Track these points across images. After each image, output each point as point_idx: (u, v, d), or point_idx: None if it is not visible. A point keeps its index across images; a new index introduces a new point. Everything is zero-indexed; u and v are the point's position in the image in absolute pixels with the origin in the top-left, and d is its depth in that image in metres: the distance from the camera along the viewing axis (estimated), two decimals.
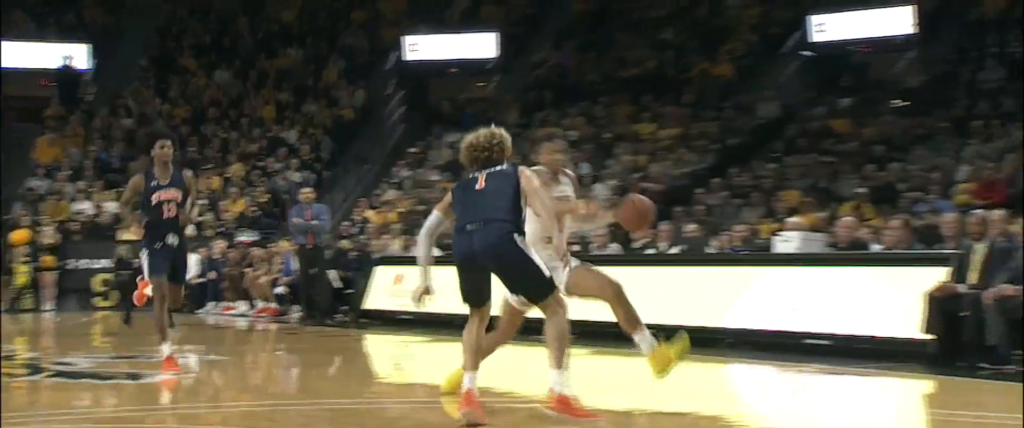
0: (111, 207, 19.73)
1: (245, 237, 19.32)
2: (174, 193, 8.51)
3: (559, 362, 5.72)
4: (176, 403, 7.32)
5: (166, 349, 8.37)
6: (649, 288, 11.48)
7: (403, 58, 24.01)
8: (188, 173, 8.82)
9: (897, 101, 18.77)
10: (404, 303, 14.60)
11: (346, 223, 19.16)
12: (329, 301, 15.35)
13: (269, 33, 25.95)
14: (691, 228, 13.50)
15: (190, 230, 9.41)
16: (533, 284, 5.79)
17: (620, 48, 22.92)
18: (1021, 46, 17.99)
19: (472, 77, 24.26)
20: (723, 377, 9.25)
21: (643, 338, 6.40)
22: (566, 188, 6.60)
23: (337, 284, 15.53)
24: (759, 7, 22.10)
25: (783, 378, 9.06)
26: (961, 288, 8.94)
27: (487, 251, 5.72)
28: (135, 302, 8.80)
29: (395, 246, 16.29)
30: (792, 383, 8.80)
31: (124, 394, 7.63)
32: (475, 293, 5.91)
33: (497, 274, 5.82)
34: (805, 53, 20.81)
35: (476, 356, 5.93)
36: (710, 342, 10.34)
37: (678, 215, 15.37)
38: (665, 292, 11.05)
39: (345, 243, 16.86)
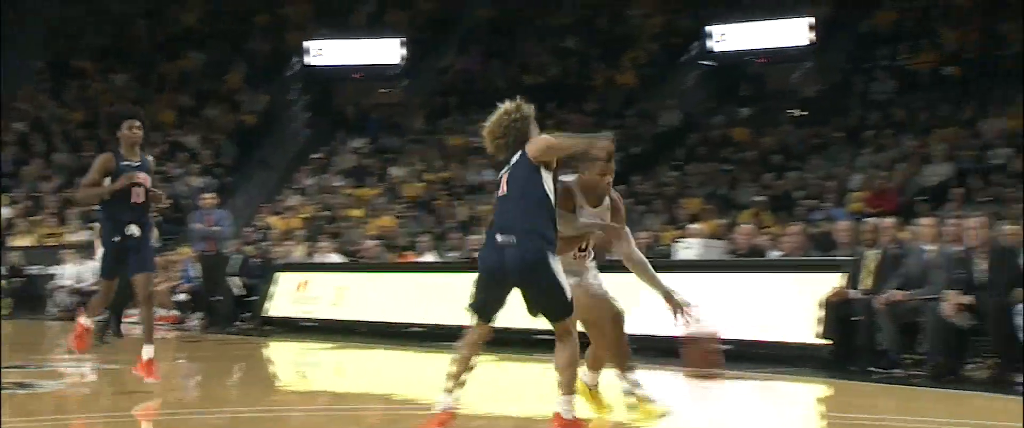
0: (5, 213, 19.20)
1: None
2: (144, 177, 7.63)
3: (569, 388, 5.49)
4: (69, 413, 7.16)
5: (148, 352, 7.50)
6: None
7: (307, 63, 23.81)
8: (151, 158, 7.93)
9: (794, 111, 19.22)
10: (307, 310, 14.54)
11: (248, 229, 18.93)
12: (231, 308, 15.15)
13: (170, 36, 25.52)
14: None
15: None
16: (556, 306, 5.47)
17: (524, 55, 23.07)
18: (910, 59, 18.57)
19: (377, 83, 24.17)
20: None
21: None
22: (604, 212, 6.02)
23: (239, 291, 15.34)
24: (661, 16, 22.43)
25: (683, 383, 9.20)
26: (854, 294, 9.20)
27: (520, 271, 5.37)
28: (71, 347, 7.88)
29: (298, 252, 16.16)
30: (692, 388, 8.94)
31: (14, 405, 7.43)
32: (488, 308, 5.59)
33: (523, 292, 5.50)
34: (706, 62, 21.17)
35: (465, 373, 5.59)
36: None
37: None
38: None
39: (247, 249, 16.66)
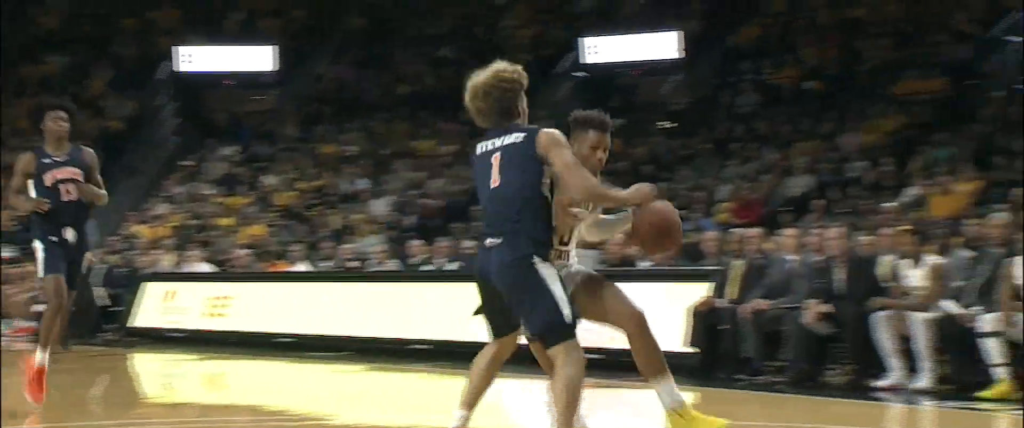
0: None
1: (4, 252, 18.30)
2: (73, 171, 7.02)
3: (566, 423, 4.57)
4: None
5: (40, 357, 6.95)
6: (430, 304, 11.59)
7: (176, 69, 23.33)
8: (88, 149, 7.30)
9: (664, 122, 19.62)
10: (175, 320, 14.24)
11: (114, 238, 18.45)
12: (95, 319, 14.75)
13: (30, 38, 24.69)
14: (470, 244, 13.69)
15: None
16: (546, 322, 4.55)
17: (399, 64, 23.05)
18: (773, 74, 19.15)
19: (249, 90, 23.82)
20: (500, 391, 9.41)
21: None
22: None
23: (103, 301, 14.94)
24: (534, 27, 22.66)
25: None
26: (720, 303, 9.44)
27: (501, 274, 4.62)
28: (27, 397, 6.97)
29: (166, 262, 15.82)
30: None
31: None
32: (492, 322, 4.89)
33: (509, 301, 4.69)
34: (578, 74, 21.45)
35: (476, 394, 4.95)
36: None
37: (457, 231, 15.56)
38: (445, 308, 11.15)
39: (113, 258, 16.24)
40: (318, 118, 22.31)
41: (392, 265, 13.77)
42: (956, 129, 15.60)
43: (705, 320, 9.38)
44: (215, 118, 23.46)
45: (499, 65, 4.76)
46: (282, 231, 18.40)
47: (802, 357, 8.79)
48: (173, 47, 23.41)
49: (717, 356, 9.33)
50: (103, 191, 7.30)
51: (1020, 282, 7.88)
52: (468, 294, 12.40)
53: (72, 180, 7.01)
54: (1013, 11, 17.39)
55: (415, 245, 13.90)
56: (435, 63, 22.70)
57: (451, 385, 9.69)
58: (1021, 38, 17.25)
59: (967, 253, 8.83)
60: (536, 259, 4.57)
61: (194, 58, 23.23)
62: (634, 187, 4.82)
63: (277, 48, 23.29)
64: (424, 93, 21.90)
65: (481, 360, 4.97)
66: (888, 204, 12.56)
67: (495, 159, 4.65)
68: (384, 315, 11.78)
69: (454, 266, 12.87)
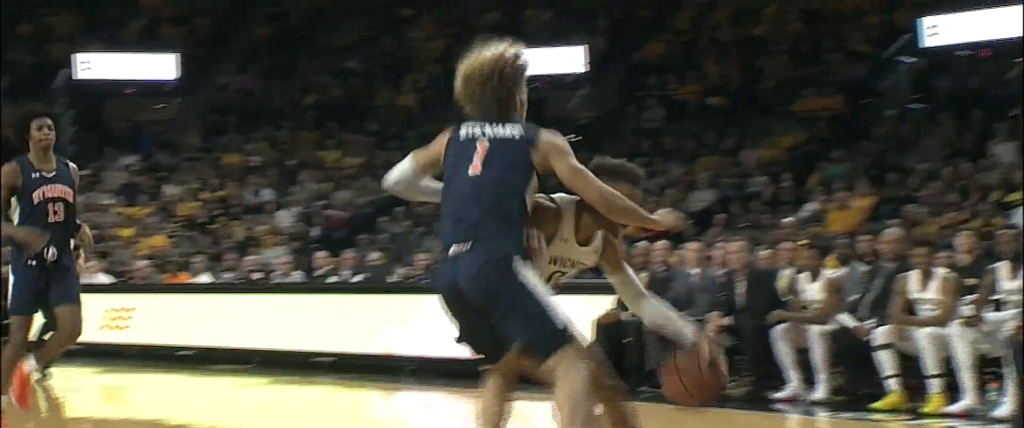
0: None
1: None
2: (64, 190, 6.25)
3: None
4: None
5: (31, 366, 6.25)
6: (335, 316, 11.53)
7: (74, 76, 22.83)
8: (73, 165, 6.52)
9: (571, 136, 19.80)
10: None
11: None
12: None
13: None
14: (375, 256, 13.65)
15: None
16: (536, 330, 3.90)
17: (305, 74, 22.90)
18: (677, 89, 19.47)
19: (150, 98, 23.41)
20: (400, 404, 9.41)
21: None
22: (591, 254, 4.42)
23: None
24: (441, 40, 22.71)
25: (459, 405, 9.33)
26: (625, 316, 9.56)
27: (475, 281, 3.90)
28: (13, 400, 6.28)
29: None
30: (465, 409, 9.07)
31: None
32: (475, 343, 4.14)
33: (491, 314, 3.97)
34: None
35: (494, 423, 4.23)
36: (393, 370, 10.48)
37: (362, 243, 15.50)
38: (349, 320, 11.10)
39: (6, 270, 15.81)
40: (222, 128, 22.03)
41: (297, 277, 13.66)
42: (852, 146, 16.05)
43: (609, 333, 9.49)
44: (115, 127, 23.01)
45: (500, 47, 4.15)
46: (184, 242, 18.12)
47: None
48: (71, 54, 22.91)
49: (622, 369, 9.43)
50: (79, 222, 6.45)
51: (912, 296, 8.13)
52: (373, 306, 12.43)
53: (62, 199, 6.24)
54: (906, 32, 17.96)
55: (320, 257, 13.82)
56: (342, 74, 22.61)
57: (356, 398, 9.66)
58: (913, 59, 17.83)
59: (862, 267, 9.08)
60: (516, 259, 3.90)
61: (93, 65, 22.75)
62: (662, 211, 4.28)
63: (179, 56, 22.94)
64: (331, 104, 21.79)
65: (488, 398, 4.21)
66: (787, 219, 12.85)
67: (481, 147, 4.00)
68: (288, 327, 11.68)
69: (359, 278, 12.82)
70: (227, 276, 14.75)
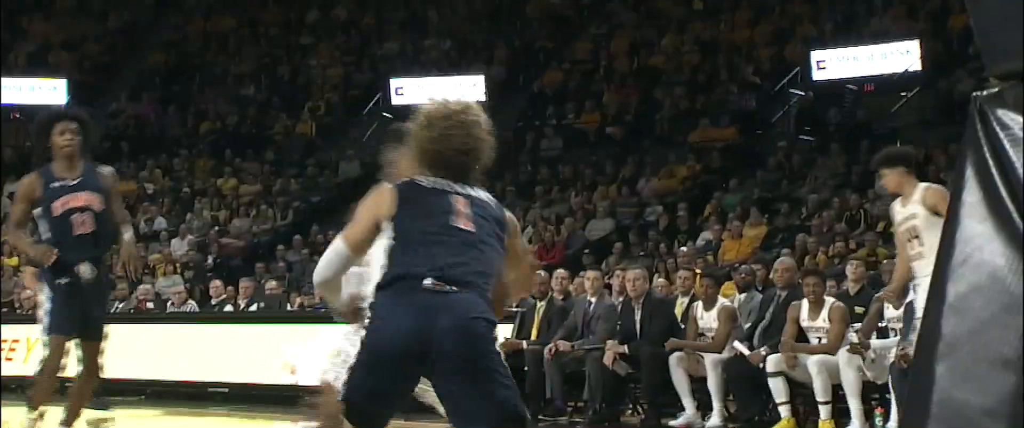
0: None
1: None
2: (89, 198, 5.73)
3: None
4: None
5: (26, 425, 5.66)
6: (230, 346, 11.35)
7: None
8: (106, 170, 6.03)
9: None
10: None
11: None
12: None
13: None
14: (272, 285, 13.48)
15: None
16: (518, 399, 3.73)
17: (201, 102, 22.59)
18: (576, 119, 19.68)
19: None
20: None
21: None
22: None
23: None
24: (341, 68, 22.63)
25: None
26: (524, 344, 9.59)
27: (463, 330, 3.50)
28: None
29: None
30: None
31: None
32: (388, 402, 3.59)
33: (458, 374, 3.56)
34: (386, 115, 21.50)
35: None
36: (289, 400, 10.33)
37: (259, 272, 15.29)
38: (246, 350, 10.93)
39: None
40: (115, 155, 21.57)
41: (191, 306, 13.41)
42: (745, 176, 16.39)
43: (508, 361, 9.48)
44: (1, 154, 22.36)
45: (481, 113, 3.92)
46: None
47: (601, 397, 9.00)
48: None
49: (521, 396, 9.45)
50: (127, 234, 5.95)
51: (803, 324, 8.31)
52: (269, 335, 12.26)
53: (88, 209, 5.72)
54: (796, 66, 18.44)
55: (215, 285, 13.59)
56: (239, 102, 22.36)
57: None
58: (803, 91, 18.30)
59: (755, 296, 9.26)
60: (494, 331, 3.65)
61: None
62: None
63: (69, 82, 22.45)
64: (227, 132, 21.52)
65: None
66: (683, 248, 13.05)
67: (460, 202, 3.66)
68: (182, 357, 11.46)
69: (254, 307, 12.64)
70: (119, 306, 14.41)
